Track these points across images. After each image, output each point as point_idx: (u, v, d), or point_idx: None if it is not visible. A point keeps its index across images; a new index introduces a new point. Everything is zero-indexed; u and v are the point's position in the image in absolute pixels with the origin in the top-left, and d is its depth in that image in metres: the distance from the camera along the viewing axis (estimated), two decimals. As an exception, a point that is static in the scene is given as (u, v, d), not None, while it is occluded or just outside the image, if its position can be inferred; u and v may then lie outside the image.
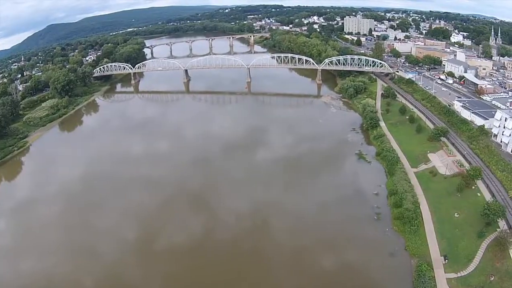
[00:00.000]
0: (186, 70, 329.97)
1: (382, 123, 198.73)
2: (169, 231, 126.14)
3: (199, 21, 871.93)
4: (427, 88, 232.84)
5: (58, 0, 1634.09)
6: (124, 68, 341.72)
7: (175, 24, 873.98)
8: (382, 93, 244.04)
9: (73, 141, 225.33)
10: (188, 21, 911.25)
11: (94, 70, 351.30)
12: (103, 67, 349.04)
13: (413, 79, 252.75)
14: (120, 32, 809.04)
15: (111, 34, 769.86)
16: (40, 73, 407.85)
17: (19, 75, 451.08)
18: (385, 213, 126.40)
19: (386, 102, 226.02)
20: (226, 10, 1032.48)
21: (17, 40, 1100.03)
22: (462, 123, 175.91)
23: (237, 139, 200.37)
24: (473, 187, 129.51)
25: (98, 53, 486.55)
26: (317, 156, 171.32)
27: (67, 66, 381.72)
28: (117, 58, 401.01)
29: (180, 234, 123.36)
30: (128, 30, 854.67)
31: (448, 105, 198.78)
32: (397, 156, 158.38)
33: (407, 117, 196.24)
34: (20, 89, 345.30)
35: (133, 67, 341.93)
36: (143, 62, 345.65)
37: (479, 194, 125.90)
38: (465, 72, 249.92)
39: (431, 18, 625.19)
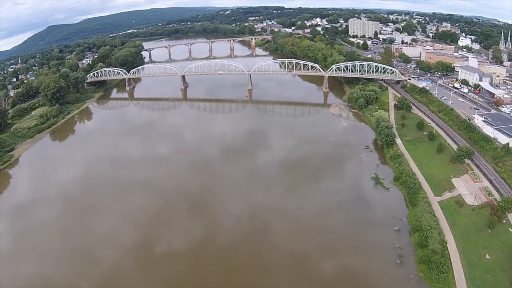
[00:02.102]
0: (183, 76, 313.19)
1: (398, 140, 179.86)
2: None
3: (200, 23, 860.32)
4: (443, 98, 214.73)
5: (57, 1, 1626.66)
6: (119, 74, 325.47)
7: (175, 25, 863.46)
8: (395, 104, 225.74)
9: (61, 155, 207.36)
10: (189, 23, 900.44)
11: (88, 76, 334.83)
12: (97, 72, 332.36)
13: (427, 87, 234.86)
14: (120, 33, 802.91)
15: (110, 35, 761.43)
16: (34, 78, 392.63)
17: (14, 79, 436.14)
18: (409, 255, 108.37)
19: (400, 115, 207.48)
20: (227, 12, 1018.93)
21: (18, 41, 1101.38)
22: (485, 141, 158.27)
23: (236, 155, 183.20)
24: (504, 221, 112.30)
25: (95, 56, 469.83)
26: (329, 182, 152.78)
27: (62, 70, 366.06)
28: (112, 62, 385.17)
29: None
30: (128, 31, 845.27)
31: (468, 119, 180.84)
32: (418, 183, 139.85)
33: (426, 133, 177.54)
34: (12, 95, 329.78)
35: (129, 72, 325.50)
36: (138, 68, 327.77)
37: (511, 230, 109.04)
38: (480, 80, 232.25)
39: (435, 20, 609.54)
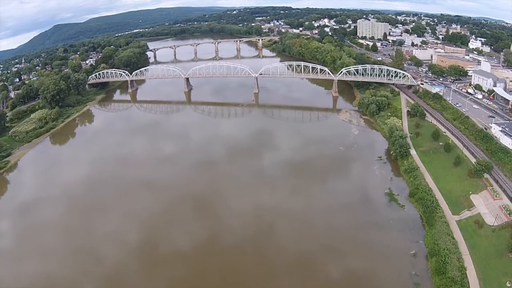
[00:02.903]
0: (187, 79, 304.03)
1: (412, 151, 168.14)
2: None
3: (206, 23, 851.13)
4: (457, 105, 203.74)
5: (64, 0, 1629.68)
6: (121, 75, 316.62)
7: (182, 25, 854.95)
8: (408, 111, 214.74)
9: (58, 162, 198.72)
10: (195, 23, 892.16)
11: (89, 77, 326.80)
12: (99, 74, 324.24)
13: (441, 93, 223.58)
14: (126, 33, 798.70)
15: (116, 35, 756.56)
16: (35, 78, 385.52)
17: (17, 79, 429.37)
18: (426, 282, 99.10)
19: (414, 123, 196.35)
20: (234, 12, 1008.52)
21: (25, 39, 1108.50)
22: (503, 153, 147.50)
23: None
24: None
25: (99, 56, 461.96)
26: (340, 197, 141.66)
27: (64, 71, 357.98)
28: (116, 63, 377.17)
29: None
30: (134, 31, 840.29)
31: (485, 128, 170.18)
32: (435, 200, 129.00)
33: (441, 143, 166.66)
34: (13, 96, 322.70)
35: (133, 73, 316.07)
36: (141, 69, 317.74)
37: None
38: (495, 85, 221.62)
39: (443, 22, 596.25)
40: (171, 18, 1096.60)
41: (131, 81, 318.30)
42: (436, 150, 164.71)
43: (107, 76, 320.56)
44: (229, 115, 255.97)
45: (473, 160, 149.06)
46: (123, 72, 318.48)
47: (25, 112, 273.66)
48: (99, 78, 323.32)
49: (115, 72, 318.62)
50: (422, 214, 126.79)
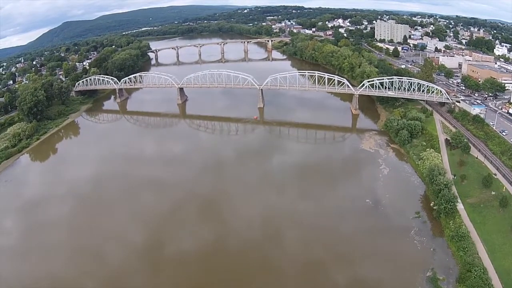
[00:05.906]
0: (181, 89, 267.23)
1: (459, 205, 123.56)
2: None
3: (216, 22, 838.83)
4: (504, 133, 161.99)
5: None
6: (109, 83, 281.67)
7: (191, 24, 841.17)
8: (447, 140, 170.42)
9: (24, 195, 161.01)
10: (205, 21, 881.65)
11: (77, 84, 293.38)
12: (86, 80, 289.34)
13: (482, 115, 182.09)
14: (134, 31, 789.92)
15: (123, 33, 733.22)
16: (26, 82, 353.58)
17: (11, 81, 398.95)
18: None
19: (456, 158, 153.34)
20: (245, 11, 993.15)
21: (35, 36, 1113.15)
22: None
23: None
24: None
25: (94, 58, 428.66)
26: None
27: (49, 77, 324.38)
28: (109, 67, 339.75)
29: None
30: (142, 29, 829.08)
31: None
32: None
33: (494, 192, 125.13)
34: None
35: (121, 80, 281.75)
36: (130, 77, 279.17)
37: None
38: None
39: (460, 24, 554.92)
40: (182, 16, 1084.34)
41: (120, 89, 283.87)
42: (488, 204, 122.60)
43: (94, 83, 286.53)
44: (230, 132, 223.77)
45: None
46: (111, 79, 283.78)
47: (3, 125, 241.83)
48: (86, 85, 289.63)
49: (102, 79, 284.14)
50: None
